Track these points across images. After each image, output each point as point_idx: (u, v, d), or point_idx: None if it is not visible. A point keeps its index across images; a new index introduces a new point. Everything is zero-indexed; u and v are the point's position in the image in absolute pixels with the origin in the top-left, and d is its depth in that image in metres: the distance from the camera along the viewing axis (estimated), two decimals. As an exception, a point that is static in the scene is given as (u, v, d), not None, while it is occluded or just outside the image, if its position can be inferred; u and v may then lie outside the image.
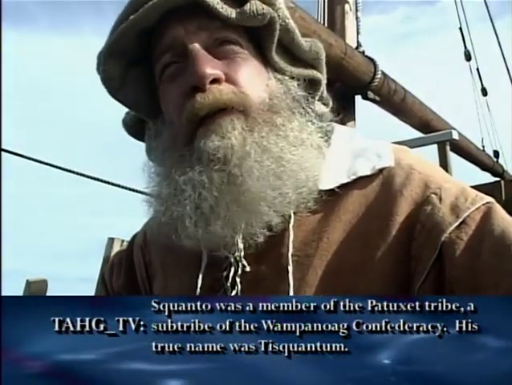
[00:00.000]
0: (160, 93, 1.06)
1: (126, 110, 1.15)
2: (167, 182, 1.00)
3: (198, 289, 1.02)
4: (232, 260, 1.00)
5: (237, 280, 0.99)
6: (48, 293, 3.07)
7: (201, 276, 1.03)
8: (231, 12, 0.98)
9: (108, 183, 3.37)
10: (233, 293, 0.98)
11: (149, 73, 1.07)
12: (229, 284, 0.99)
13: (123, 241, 3.30)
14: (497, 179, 6.63)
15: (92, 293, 3.20)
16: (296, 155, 0.99)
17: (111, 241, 3.30)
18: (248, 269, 0.99)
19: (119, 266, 1.30)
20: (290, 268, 0.97)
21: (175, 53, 1.01)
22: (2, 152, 2.89)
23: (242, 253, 0.99)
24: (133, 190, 3.30)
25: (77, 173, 3.31)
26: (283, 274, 0.97)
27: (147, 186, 1.07)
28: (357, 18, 4.22)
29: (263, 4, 0.99)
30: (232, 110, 0.97)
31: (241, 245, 0.99)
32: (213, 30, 1.00)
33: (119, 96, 1.08)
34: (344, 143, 1.09)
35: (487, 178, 6.93)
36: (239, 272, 0.99)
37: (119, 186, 3.38)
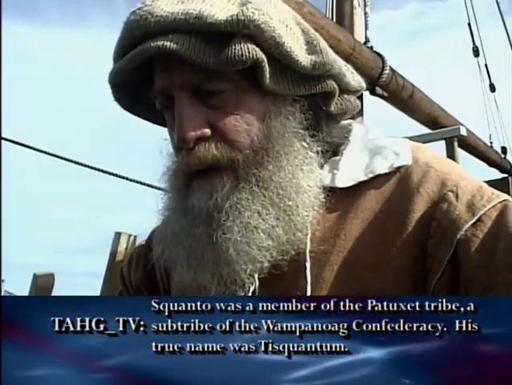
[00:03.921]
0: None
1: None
2: (171, 219, 1.04)
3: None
4: None
5: (255, 276, 0.99)
6: (55, 287, 3.08)
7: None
8: (209, 59, 0.93)
9: (117, 176, 3.38)
10: (251, 288, 0.99)
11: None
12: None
13: (130, 235, 3.31)
14: (505, 175, 6.59)
15: (99, 287, 3.22)
16: (269, 217, 0.97)
17: (118, 235, 3.30)
18: (266, 264, 0.98)
19: (137, 260, 1.31)
20: (308, 264, 0.97)
21: (166, 99, 1.01)
22: (9, 144, 2.90)
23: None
24: (142, 183, 3.31)
25: (86, 166, 3.32)
26: (301, 270, 0.97)
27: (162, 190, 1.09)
28: (365, 13, 4.20)
29: (248, 43, 0.93)
30: (220, 166, 0.97)
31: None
32: (193, 80, 0.96)
33: (134, 112, 1.11)
34: (361, 141, 1.09)
35: (495, 174, 6.90)
36: None
37: (127, 179, 3.39)
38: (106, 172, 3.38)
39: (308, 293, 0.96)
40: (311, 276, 0.97)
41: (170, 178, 1.06)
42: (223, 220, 0.96)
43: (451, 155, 4.39)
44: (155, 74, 1.01)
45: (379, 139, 1.09)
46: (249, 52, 0.92)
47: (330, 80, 1.04)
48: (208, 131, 0.97)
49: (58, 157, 3.26)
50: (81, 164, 3.33)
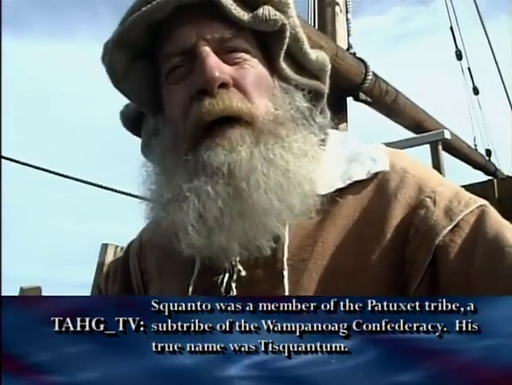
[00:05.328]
0: (164, 92, 1.04)
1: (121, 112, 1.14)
2: (169, 186, 0.98)
3: (190, 294, 1.01)
4: (227, 265, 0.99)
5: (233, 285, 0.98)
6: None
7: (192, 281, 1.02)
8: (244, 14, 0.98)
9: (103, 187, 3.37)
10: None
11: (153, 66, 1.06)
12: (223, 289, 0.98)
13: (117, 246, 3.30)
14: (490, 177, 6.64)
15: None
16: (301, 166, 0.98)
17: (105, 246, 3.30)
18: (243, 273, 0.98)
19: (114, 273, 1.29)
20: (286, 273, 0.96)
21: (185, 57, 1.00)
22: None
23: (238, 258, 0.99)
24: (128, 194, 3.30)
25: (73, 178, 3.30)
26: (278, 279, 0.96)
27: (143, 183, 1.07)
28: (347, 19, 4.23)
29: (276, 10, 1.00)
30: (240, 120, 0.97)
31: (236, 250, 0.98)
32: (224, 35, 1.00)
33: (123, 88, 1.07)
34: (339, 148, 1.09)
35: (480, 177, 6.96)
36: (234, 277, 0.99)
37: (114, 190, 3.37)
38: (91, 184, 3.36)
39: None
40: (289, 284, 0.96)
41: (165, 152, 1.03)
42: (247, 175, 0.94)
43: (436, 158, 4.42)
44: (175, 28, 1.01)
45: (355, 146, 1.09)
46: (280, 16, 1.00)
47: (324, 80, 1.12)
48: (231, 80, 0.98)
49: (45, 170, 3.24)
50: (67, 177, 3.31)
